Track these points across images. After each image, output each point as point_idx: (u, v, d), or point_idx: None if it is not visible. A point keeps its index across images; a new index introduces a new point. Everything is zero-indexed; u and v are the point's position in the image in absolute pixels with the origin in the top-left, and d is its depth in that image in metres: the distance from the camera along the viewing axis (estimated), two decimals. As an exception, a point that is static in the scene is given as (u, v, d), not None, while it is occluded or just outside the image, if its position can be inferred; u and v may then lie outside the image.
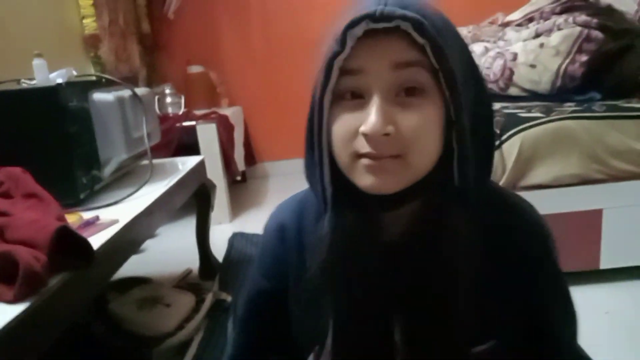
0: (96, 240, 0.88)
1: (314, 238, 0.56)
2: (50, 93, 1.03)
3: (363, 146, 0.49)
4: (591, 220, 1.48)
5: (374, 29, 0.47)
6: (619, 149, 1.44)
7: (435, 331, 0.53)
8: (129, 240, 1.00)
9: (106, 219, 0.99)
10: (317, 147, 0.53)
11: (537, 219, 0.61)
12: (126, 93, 1.30)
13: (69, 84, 1.09)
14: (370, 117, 0.47)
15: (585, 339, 1.21)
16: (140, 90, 1.37)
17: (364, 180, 0.50)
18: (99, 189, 1.20)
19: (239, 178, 2.78)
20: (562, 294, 0.64)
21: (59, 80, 1.15)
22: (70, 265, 0.75)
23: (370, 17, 0.46)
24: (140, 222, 1.04)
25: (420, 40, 0.47)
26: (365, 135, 0.48)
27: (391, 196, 0.51)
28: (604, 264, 1.50)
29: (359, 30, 0.47)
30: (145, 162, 1.43)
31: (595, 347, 1.20)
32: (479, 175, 0.54)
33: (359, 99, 0.50)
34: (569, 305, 0.65)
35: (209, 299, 1.49)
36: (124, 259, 1.00)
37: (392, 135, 0.47)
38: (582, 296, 1.43)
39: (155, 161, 1.51)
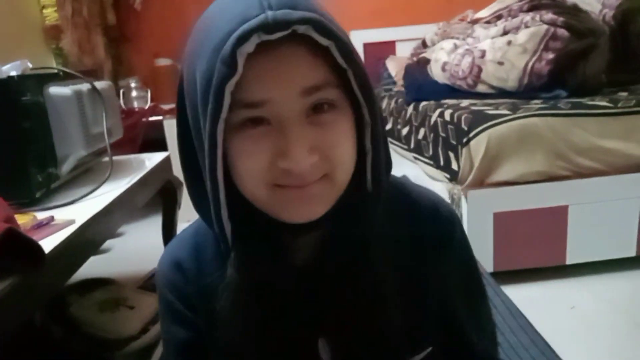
0: (50, 243, 0.83)
1: (217, 279, 0.50)
2: (1, 87, 0.98)
3: (284, 178, 0.44)
4: (557, 217, 1.50)
5: (265, 42, 0.40)
6: (582, 147, 1.46)
7: (369, 348, 0.51)
8: (86, 241, 0.96)
9: (61, 220, 0.95)
10: (210, 184, 0.45)
11: (440, 207, 0.58)
12: (85, 87, 1.24)
13: (22, 77, 1.03)
14: (292, 152, 0.42)
15: (551, 333, 1.24)
16: (100, 84, 1.32)
17: (289, 212, 0.46)
18: (56, 188, 1.14)
19: (208, 174, 2.72)
20: (472, 285, 0.60)
21: (12, 73, 1.09)
22: (19, 269, 0.71)
23: (263, 27, 0.39)
24: (99, 222, 1.00)
25: (324, 41, 0.41)
26: (287, 170, 0.43)
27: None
28: (570, 260, 1.53)
29: (250, 46, 0.39)
30: (106, 159, 1.38)
31: (561, 340, 1.23)
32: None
33: (262, 125, 0.43)
34: (481, 304, 0.61)
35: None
36: (82, 261, 0.96)
37: (316, 161, 0.43)
38: (549, 291, 1.48)
39: (117, 158, 1.46)
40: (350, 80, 0.44)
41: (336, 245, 0.50)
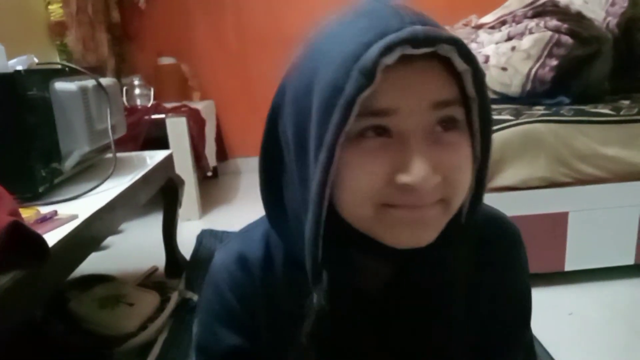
0: (53, 237, 0.83)
1: (290, 300, 0.47)
2: (8, 80, 0.98)
3: (397, 197, 0.40)
4: (557, 223, 1.50)
5: (406, 56, 0.38)
6: (585, 153, 1.46)
7: None
8: (89, 236, 0.96)
9: (65, 214, 0.95)
10: (315, 200, 0.41)
11: (515, 231, 0.57)
12: (90, 83, 1.25)
13: (28, 72, 1.04)
14: (414, 165, 0.39)
15: (549, 339, 1.24)
16: (105, 81, 1.32)
17: (397, 234, 0.42)
18: (59, 183, 1.15)
19: (209, 174, 2.73)
20: (523, 312, 0.59)
21: (18, 68, 1.10)
22: (23, 263, 0.71)
23: (412, 40, 0.37)
24: (101, 218, 1.00)
25: (462, 66, 0.40)
26: (407, 186, 0.39)
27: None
28: (569, 266, 1.53)
29: (391, 58, 0.37)
30: (109, 155, 1.38)
31: (558, 347, 1.23)
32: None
33: (383, 136, 0.40)
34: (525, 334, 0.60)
35: (174, 298, 1.45)
36: (83, 256, 0.96)
37: (438, 183, 0.40)
38: (547, 297, 1.48)
39: (120, 155, 1.46)
40: (473, 110, 0.43)
41: (415, 274, 0.48)
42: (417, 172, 0.39)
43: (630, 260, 1.54)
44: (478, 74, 0.40)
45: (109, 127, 1.27)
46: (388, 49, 0.37)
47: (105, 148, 1.33)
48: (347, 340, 0.48)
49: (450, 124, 0.41)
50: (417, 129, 0.40)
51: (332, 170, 0.40)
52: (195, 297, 1.49)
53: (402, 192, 0.40)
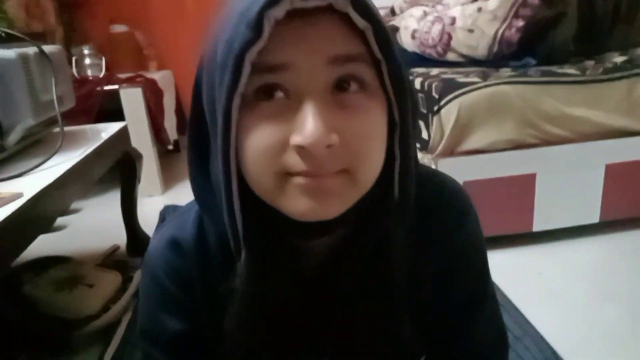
0: (-6, 217, 0.76)
1: (222, 276, 0.45)
2: None
3: (296, 163, 0.37)
4: (525, 184, 1.51)
5: (298, 10, 0.35)
6: (552, 114, 1.46)
7: None
8: (37, 216, 0.88)
9: (8, 193, 0.87)
10: (222, 170, 0.40)
11: (452, 198, 0.54)
12: (32, 50, 1.14)
13: (-44, 37, 0.93)
14: (307, 124, 0.36)
15: (520, 299, 1.25)
16: (49, 48, 1.21)
17: (298, 205, 0.39)
18: (2, 160, 1.06)
19: (171, 147, 2.63)
20: (479, 285, 0.56)
21: (-55, 33, 0.98)
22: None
23: None
24: (50, 196, 0.93)
25: (361, 23, 0.36)
26: (300, 148, 0.36)
27: (321, 222, 0.40)
28: (537, 227, 1.55)
29: (279, 11, 0.35)
30: (57, 129, 1.29)
31: (528, 306, 1.24)
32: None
33: (278, 97, 0.38)
34: (485, 308, 0.56)
35: (137, 277, 1.39)
36: (32, 237, 0.88)
37: (336, 146, 0.37)
38: (516, 258, 1.49)
39: (70, 128, 1.37)
40: (383, 72, 0.39)
41: (350, 256, 0.45)
42: (308, 131, 0.36)
43: (595, 219, 1.57)
44: (380, 32, 0.37)
45: (54, 97, 1.17)
46: (273, 1, 0.34)
47: (53, 122, 1.23)
48: (280, 322, 0.46)
49: (355, 84, 0.38)
50: (314, 86, 0.37)
51: (232, 136, 0.38)
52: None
53: (299, 156, 0.37)
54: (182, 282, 0.51)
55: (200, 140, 0.45)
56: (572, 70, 1.52)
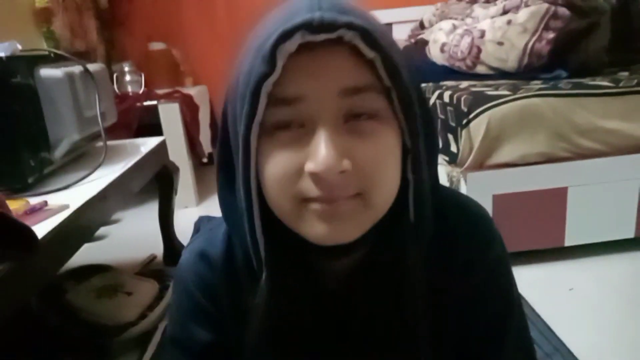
0: (43, 228, 0.81)
1: (249, 293, 0.47)
2: (-12, 68, 0.95)
3: (310, 189, 0.39)
4: (556, 198, 1.49)
5: (310, 43, 0.38)
6: (584, 127, 1.44)
7: None
8: (81, 226, 0.94)
9: (55, 205, 0.93)
10: (243, 194, 0.42)
11: (479, 224, 0.54)
12: (77, 69, 1.21)
13: (11, 59, 1.01)
14: (320, 152, 0.38)
15: (550, 315, 1.24)
16: (93, 66, 1.29)
17: (316, 230, 0.41)
18: (49, 173, 1.12)
19: (205, 160, 2.70)
20: (505, 315, 0.55)
21: (0, 55, 1.06)
22: (11, 255, 0.69)
23: (307, 26, 0.37)
24: (93, 207, 0.98)
25: (369, 54, 0.38)
26: (314, 175, 0.38)
27: (339, 245, 0.42)
28: (569, 241, 1.52)
29: (292, 45, 0.37)
30: (101, 144, 1.36)
31: (559, 323, 1.22)
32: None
33: (294, 128, 0.40)
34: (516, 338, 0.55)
35: (173, 286, 1.43)
36: (76, 246, 0.94)
37: (348, 172, 0.38)
38: (547, 273, 1.47)
39: (112, 143, 1.44)
40: (394, 100, 0.41)
41: (368, 276, 0.46)
42: (321, 158, 0.38)
43: (630, 234, 1.53)
44: (388, 61, 0.39)
45: (98, 113, 1.24)
46: (285, 36, 0.37)
47: (96, 136, 1.30)
48: (298, 339, 0.47)
49: (367, 114, 0.40)
50: (326, 115, 0.39)
51: (251, 162, 0.41)
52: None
53: (314, 183, 0.39)
54: (211, 295, 0.53)
55: (227, 164, 0.48)
56: (605, 82, 1.50)
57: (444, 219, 0.49)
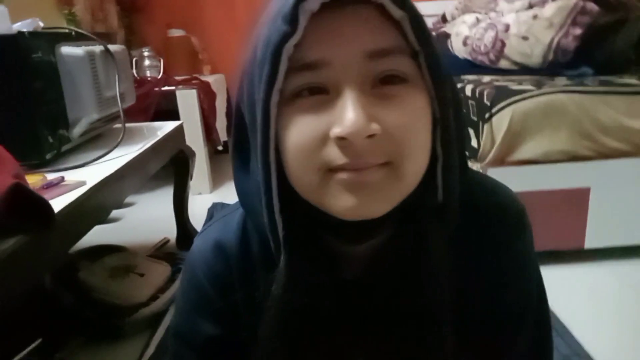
0: (59, 203, 0.81)
1: (265, 282, 0.44)
2: (10, 42, 0.95)
3: (337, 156, 0.36)
4: (578, 199, 1.45)
5: (333, 1, 0.35)
6: (609, 126, 1.40)
7: None
8: (97, 204, 0.94)
9: (72, 181, 0.92)
10: (262, 169, 0.39)
11: (518, 212, 0.51)
12: (98, 48, 1.21)
13: (33, 34, 1.00)
14: (347, 114, 0.35)
15: (569, 317, 1.21)
16: (113, 47, 1.29)
17: (342, 202, 0.38)
18: (67, 151, 1.12)
19: (220, 148, 2.70)
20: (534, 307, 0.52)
21: (22, 30, 1.06)
22: (27, 228, 0.69)
23: None
24: (110, 186, 0.98)
25: (397, 13, 0.36)
26: (340, 140, 0.35)
27: (366, 223, 0.39)
28: (589, 244, 1.48)
29: (314, 3, 0.35)
30: (119, 125, 1.35)
31: (578, 325, 1.19)
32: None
33: (320, 94, 0.37)
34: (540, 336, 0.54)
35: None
36: (91, 224, 0.94)
37: (377, 137, 0.35)
38: (566, 275, 1.44)
39: (130, 125, 1.43)
40: (421, 64, 0.38)
41: (390, 263, 0.44)
42: (348, 121, 0.35)
43: (653, 238, 1.49)
44: (416, 20, 0.36)
45: (117, 94, 1.23)
46: None
47: (114, 117, 1.30)
48: (315, 329, 0.44)
49: (393, 78, 0.37)
50: (352, 78, 0.36)
51: (271, 133, 0.38)
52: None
53: (340, 149, 0.36)
54: (221, 286, 0.50)
55: (243, 145, 0.46)
56: (632, 80, 1.46)
57: (472, 202, 0.47)
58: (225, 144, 2.91)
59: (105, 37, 1.39)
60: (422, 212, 0.43)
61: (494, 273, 0.50)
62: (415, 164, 0.39)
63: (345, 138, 0.35)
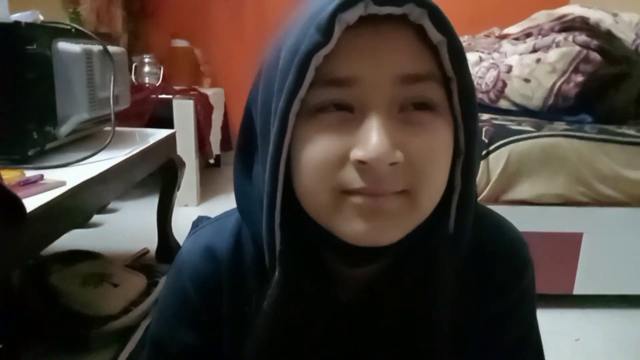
0: (35, 201, 0.77)
1: (257, 297, 0.42)
2: (5, 30, 0.92)
3: (354, 180, 0.35)
4: (570, 243, 1.43)
5: (371, 17, 0.34)
6: (606, 174, 1.40)
7: None
8: (75, 206, 0.89)
9: (51, 180, 0.88)
10: (269, 180, 0.38)
11: (515, 247, 0.50)
12: (96, 48, 1.18)
13: (30, 25, 0.98)
14: (371, 139, 0.33)
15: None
16: (113, 49, 1.26)
17: (354, 227, 0.36)
18: (52, 149, 1.08)
19: (212, 161, 2.66)
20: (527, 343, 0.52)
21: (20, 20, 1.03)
22: (-4, 223, 0.64)
23: None
24: (91, 189, 0.94)
25: (436, 37, 0.35)
26: (360, 163, 0.34)
27: (371, 247, 0.37)
28: (578, 289, 1.46)
29: (352, 15, 0.33)
30: (109, 128, 1.32)
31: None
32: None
33: (343, 111, 0.36)
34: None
35: (162, 283, 1.38)
36: (67, 226, 0.89)
37: (399, 164, 0.34)
38: (553, 320, 1.40)
39: (121, 129, 1.40)
40: (453, 93, 0.37)
41: (391, 287, 0.42)
42: (372, 146, 0.33)
43: (642, 291, 1.47)
44: (454, 46, 0.35)
45: (111, 95, 1.20)
46: (347, 4, 0.33)
47: (106, 120, 1.27)
48: (306, 352, 0.42)
49: (422, 105, 0.36)
50: (381, 103, 0.35)
51: (285, 144, 0.36)
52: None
53: (359, 172, 0.35)
54: (207, 293, 0.48)
55: (247, 150, 0.44)
56: (631, 131, 1.46)
57: (481, 236, 0.45)
58: (217, 157, 2.88)
59: (107, 39, 1.36)
60: (435, 241, 0.41)
61: (501, 307, 0.48)
62: (433, 194, 0.38)
63: (366, 162, 0.34)
